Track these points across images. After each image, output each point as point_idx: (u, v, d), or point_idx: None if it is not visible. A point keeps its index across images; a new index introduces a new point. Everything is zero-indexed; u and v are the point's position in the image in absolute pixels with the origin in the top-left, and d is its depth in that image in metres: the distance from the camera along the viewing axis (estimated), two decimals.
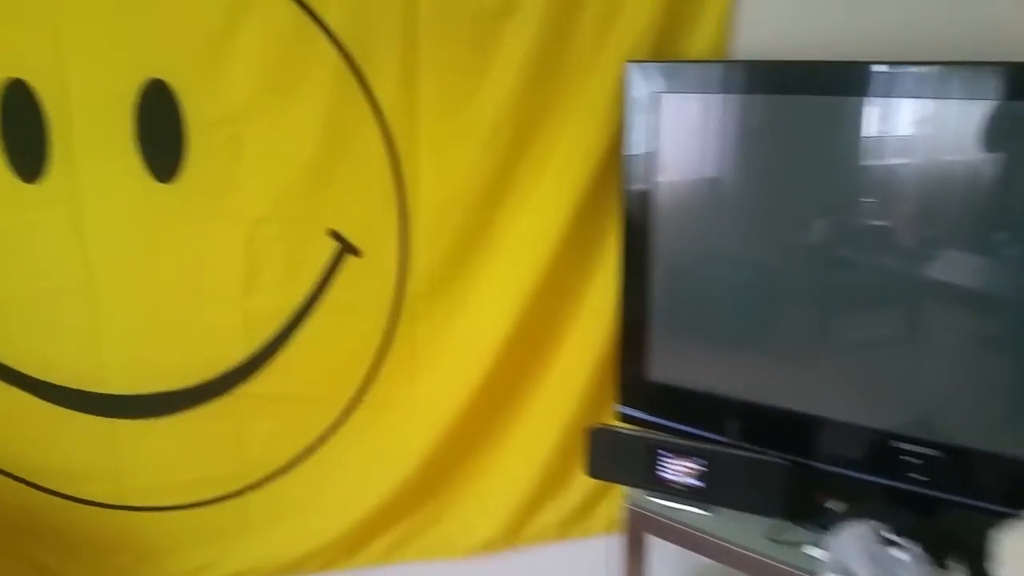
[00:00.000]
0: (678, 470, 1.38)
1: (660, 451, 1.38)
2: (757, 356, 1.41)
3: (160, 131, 1.41)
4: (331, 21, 1.37)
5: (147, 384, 1.59)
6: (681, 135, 1.40)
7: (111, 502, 1.66)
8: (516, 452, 1.61)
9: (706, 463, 1.36)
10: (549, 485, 1.61)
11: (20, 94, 1.38)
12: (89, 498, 1.66)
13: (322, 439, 1.63)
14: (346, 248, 1.52)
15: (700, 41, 1.44)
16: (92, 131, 1.42)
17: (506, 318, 1.53)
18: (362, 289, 1.54)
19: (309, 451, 1.64)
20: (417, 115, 1.44)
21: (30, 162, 1.43)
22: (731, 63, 1.42)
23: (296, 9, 1.37)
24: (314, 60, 1.39)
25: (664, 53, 1.44)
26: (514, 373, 1.57)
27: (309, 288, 1.53)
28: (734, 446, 1.36)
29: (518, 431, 1.62)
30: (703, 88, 1.37)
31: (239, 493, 1.67)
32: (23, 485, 1.63)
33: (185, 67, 1.39)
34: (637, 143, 1.41)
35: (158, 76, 1.39)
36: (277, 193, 1.47)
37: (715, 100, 1.36)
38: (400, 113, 1.44)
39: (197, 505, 1.67)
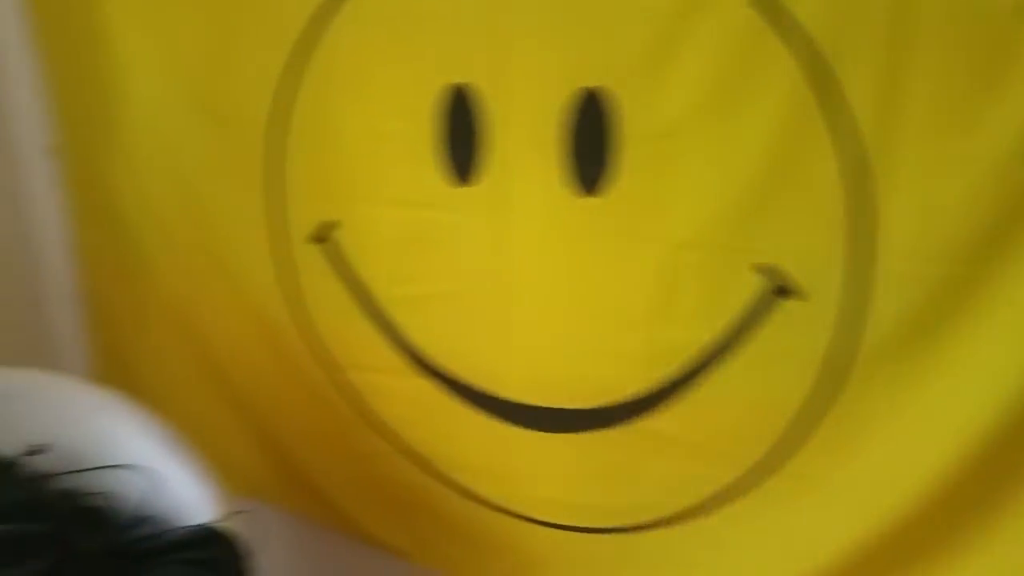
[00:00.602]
0: None
1: None
2: None
3: (589, 142, 1.31)
4: (802, 16, 1.11)
5: (543, 397, 1.53)
6: None
7: (502, 504, 1.67)
8: None
9: None
10: None
11: (465, 99, 1.38)
12: (482, 495, 1.68)
13: (722, 499, 1.43)
14: (776, 287, 1.27)
15: None
16: (526, 138, 1.37)
17: (993, 402, 1.15)
18: (791, 338, 1.28)
19: (705, 509, 1.45)
20: (899, 136, 1.11)
21: (466, 165, 1.44)
22: None
23: (754, 10, 1.14)
24: (768, 69, 1.15)
25: None
26: (993, 476, 1.18)
27: (726, 327, 1.32)
28: None
29: (984, 556, 1.23)
30: None
31: (622, 530, 1.55)
32: (424, 471, 1.72)
33: (623, 75, 1.25)
34: None
35: (593, 84, 1.27)
36: (705, 217, 1.28)
37: None
38: (878, 133, 1.13)
39: (580, 530, 1.60)
